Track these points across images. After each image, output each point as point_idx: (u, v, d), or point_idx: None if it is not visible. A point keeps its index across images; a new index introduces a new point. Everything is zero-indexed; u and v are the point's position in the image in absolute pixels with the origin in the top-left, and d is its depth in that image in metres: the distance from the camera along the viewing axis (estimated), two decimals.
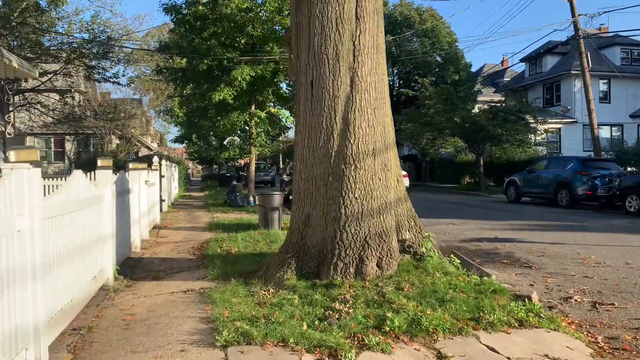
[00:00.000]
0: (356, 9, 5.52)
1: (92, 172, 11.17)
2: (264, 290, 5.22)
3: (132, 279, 6.40)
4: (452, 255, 6.01)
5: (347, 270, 5.24)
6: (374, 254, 5.32)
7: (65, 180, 10.80)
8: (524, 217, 13.70)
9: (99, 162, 5.97)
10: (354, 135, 5.47)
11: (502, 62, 54.49)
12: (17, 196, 3.30)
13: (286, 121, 19.65)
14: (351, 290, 4.91)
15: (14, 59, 9.43)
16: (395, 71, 41.47)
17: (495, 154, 29.56)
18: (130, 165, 8.63)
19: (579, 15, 19.60)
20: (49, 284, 3.83)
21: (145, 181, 10.09)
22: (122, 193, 7.29)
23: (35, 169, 3.50)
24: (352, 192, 5.42)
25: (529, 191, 18.77)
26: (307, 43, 5.60)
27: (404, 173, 16.81)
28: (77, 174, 4.75)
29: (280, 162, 73.05)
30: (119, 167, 22.62)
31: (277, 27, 17.83)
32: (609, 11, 18.54)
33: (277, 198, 10.49)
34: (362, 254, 5.30)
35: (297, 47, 5.83)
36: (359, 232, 5.35)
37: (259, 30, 17.25)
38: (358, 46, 5.51)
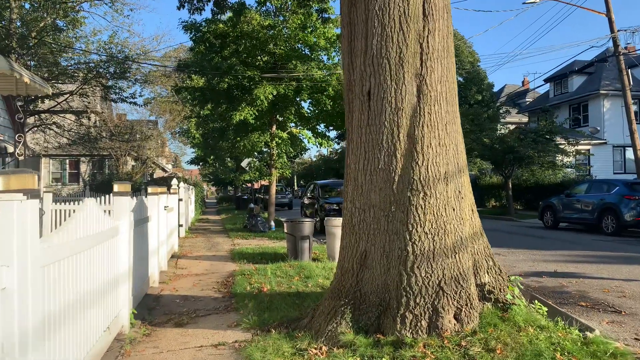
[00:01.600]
0: (423, 5, 4.61)
1: (107, 196, 10.33)
2: (315, 348, 4.21)
3: (151, 325, 5.43)
4: (535, 301, 4.95)
5: (419, 324, 4.22)
6: (450, 303, 4.30)
7: (78, 205, 9.86)
8: (573, 246, 12.52)
9: (116, 188, 5.07)
10: (423, 155, 4.51)
11: (522, 83, 53.56)
12: (1, 240, 2.37)
13: (308, 142, 18.76)
14: (428, 352, 3.88)
15: (25, 73, 8.68)
16: None
17: (522, 177, 28.35)
18: (149, 190, 7.74)
19: (618, 30, 18.65)
20: (47, 353, 2.87)
21: (165, 207, 9.21)
22: (141, 222, 6.38)
23: (31, 200, 2.58)
24: (420, 225, 4.43)
25: (568, 216, 17.54)
26: (364, 46, 4.70)
27: None
28: (89, 203, 3.84)
29: (295, 184, 72.24)
30: (134, 189, 21.85)
31: (299, 45, 17.13)
32: None
33: (307, 226, 9.52)
34: (435, 303, 4.28)
35: (349, 52, 4.92)
36: (430, 275, 4.34)
37: (281, 47, 16.55)
38: (426, 49, 4.58)
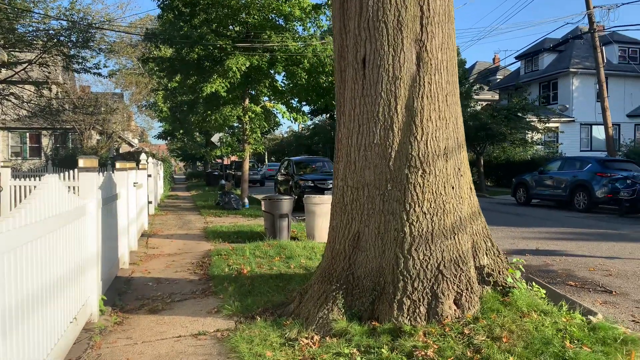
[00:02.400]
0: None
1: (72, 172, 9.69)
2: (306, 338, 3.89)
3: (122, 312, 5.01)
4: (533, 284, 4.74)
5: (417, 311, 3.94)
6: (450, 287, 4.02)
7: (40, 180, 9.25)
8: (548, 223, 12.55)
9: (81, 163, 4.56)
10: (422, 129, 4.16)
11: (493, 60, 53.84)
12: None
13: (282, 116, 18.22)
14: (430, 341, 3.60)
15: None
16: None
17: (493, 154, 28.56)
18: (118, 165, 7.20)
19: (594, 7, 18.60)
20: (1, 355, 2.45)
21: (134, 183, 8.66)
22: (109, 200, 5.88)
23: None
24: (419, 205, 4.11)
25: (541, 193, 17.69)
26: (358, 8, 4.27)
27: None
28: (50, 181, 3.36)
29: (266, 160, 71.39)
30: (100, 164, 20.92)
31: (272, 15, 16.44)
32: (627, 3, 17.47)
33: (286, 203, 9.14)
34: (434, 287, 3.99)
35: (341, 14, 4.48)
36: (429, 258, 4.05)
37: (254, 17, 15.82)
38: (426, 12, 4.19)
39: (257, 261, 6.96)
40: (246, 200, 16.55)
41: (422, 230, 4.08)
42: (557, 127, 31.34)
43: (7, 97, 23.28)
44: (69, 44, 21.88)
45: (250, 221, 12.38)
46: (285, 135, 73.86)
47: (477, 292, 4.17)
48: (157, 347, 4.00)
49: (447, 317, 3.91)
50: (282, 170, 20.11)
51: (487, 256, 4.46)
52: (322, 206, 9.07)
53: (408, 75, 4.17)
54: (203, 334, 4.26)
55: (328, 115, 41.26)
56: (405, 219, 4.09)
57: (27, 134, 31.40)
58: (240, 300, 4.98)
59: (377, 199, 4.21)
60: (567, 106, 32.62)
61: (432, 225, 4.10)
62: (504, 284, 4.36)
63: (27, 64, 21.49)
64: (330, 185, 15.78)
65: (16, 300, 2.63)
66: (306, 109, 33.81)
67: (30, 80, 23.27)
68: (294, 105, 18.29)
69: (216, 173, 32.88)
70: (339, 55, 4.55)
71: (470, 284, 4.11)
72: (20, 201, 9.84)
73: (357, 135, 4.33)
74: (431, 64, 4.20)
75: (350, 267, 4.28)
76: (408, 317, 3.91)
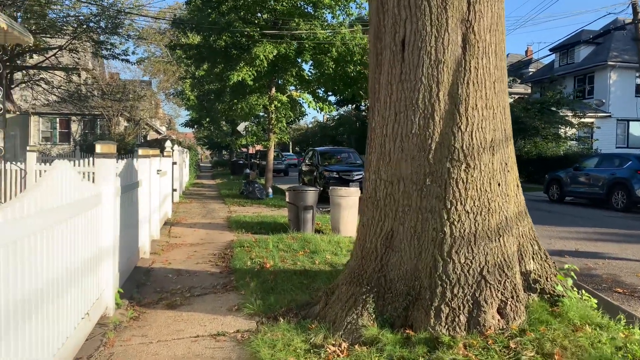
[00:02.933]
0: None
1: (93, 158, 9.55)
2: (332, 345, 3.56)
3: (139, 305, 4.78)
4: (582, 291, 4.31)
5: (456, 320, 3.56)
6: (494, 294, 3.64)
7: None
8: (585, 222, 11.95)
9: (98, 149, 4.31)
10: (467, 119, 3.76)
11: (525, 52, 52.34)
12: None
13: (308, 106, 17.85)
14: (472, 355, 3.24)
15: (2, 18, 7.76)
16: None
17: (524, 149, 27.66)
18: (140, 152, 6.97)
19: None
20: (3, 355, 2.19)
21: (157, 170, 8.45)
22: (129, 187, 5.65)
23: None
24: (461, 203, 3.72)
25: (576, 190, 16.95)
26: None
27: None
28: (60, 166, 3.09)
29: (290, 149, 71.23)
30: (127, 151, 20.96)
31: (301, 3, 16.06)
32: None
33: (311, 195, 8.82)
34: (476, 294, 3.61)
35: None
36: (471, 262, 3.67)
37: (282, 4, 15.47)
38: None
39: (280, 255, 6.66)
40: (270, 190, 16.31)
41: (464, 230, 3.70)
42: (592, 123, 30.18)
43: (37, 83, 23.52)
44: (98, 30, 21.92)
45: (274, 211, 12.11)
46: (310, 125, 73.51)
47: (523, 301, 3.77)
48: (173, 348, 3.74)
49: (489, 328, 3.53)
50: (307, 161, 19.81)
51: (533, 261, 4.06)
52: (348, 199, 8.73)
53: (452, 59, 3.77)
54: (222, 335, 3.97)
55: (354, 106, 40.76)
56: (446, 217, 3.71)
57: (57, 119, 31.78)
58: (262, 298, 4.69)
59: (414, 194, 3.84)
60: (604, 101, 31.36)
61: (475, 225, 3.71)
62: (551, 292, 3.96)
63: (57, 49, 21.62)
64: (356, 177, 15.42)
65: (14, 299, 2.36)
66: (332, 99, 33.42)
67: (60, 66, 23.43)
68: (320, 95, 17.94)
69: (241, 162, 32.78)
70: (375, 36, 4.16)
71: (515, 292, 3.71)
72: None
73: (393, 124, 3.96)
74: (478, 47, 3.79)
75: (382, 268, 3.92)
76: (446, 327, 3.55)
